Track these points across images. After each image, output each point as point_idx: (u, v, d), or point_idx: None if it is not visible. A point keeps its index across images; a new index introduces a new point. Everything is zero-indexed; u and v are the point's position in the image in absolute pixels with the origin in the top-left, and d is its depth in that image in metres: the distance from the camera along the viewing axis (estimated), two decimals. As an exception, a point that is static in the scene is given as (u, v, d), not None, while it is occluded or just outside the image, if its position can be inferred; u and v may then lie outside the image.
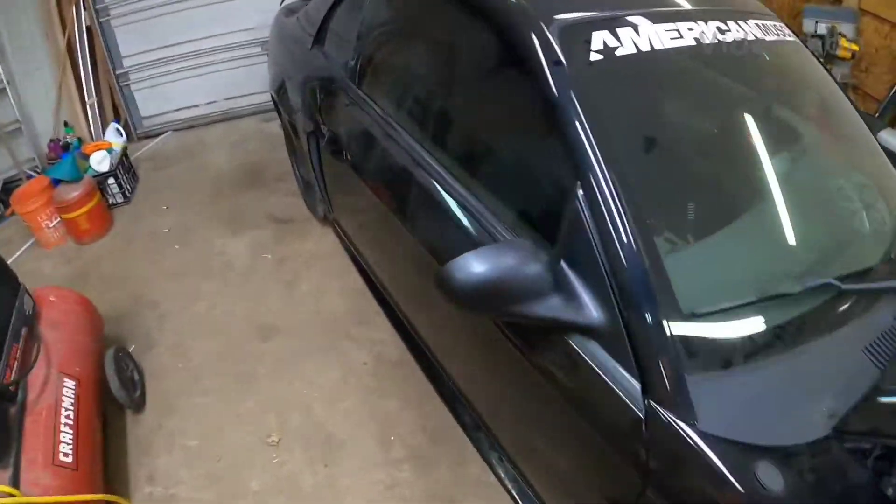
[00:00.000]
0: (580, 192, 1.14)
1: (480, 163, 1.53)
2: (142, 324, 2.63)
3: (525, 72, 1.30)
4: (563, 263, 1.13)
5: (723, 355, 1.06)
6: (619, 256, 1.07)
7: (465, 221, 1.43)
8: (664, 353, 1.00)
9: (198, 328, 2.60)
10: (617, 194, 1.11)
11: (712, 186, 1.32)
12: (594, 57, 1.28)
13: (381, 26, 2.05)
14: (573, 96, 1.20)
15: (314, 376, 2.33)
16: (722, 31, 1.43)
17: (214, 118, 4.17)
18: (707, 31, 1.41)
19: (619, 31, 1.33)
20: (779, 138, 1.46)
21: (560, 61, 1.24)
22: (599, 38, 1.30)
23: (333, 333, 2.52)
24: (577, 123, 1.18)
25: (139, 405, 2.22)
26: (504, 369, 1.42)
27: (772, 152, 1.42)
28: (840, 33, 3.62)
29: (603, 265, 1.09)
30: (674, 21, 1.39)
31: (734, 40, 1.44)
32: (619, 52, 1.30)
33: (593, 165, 1.13)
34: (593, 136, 1.16)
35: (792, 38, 1.64)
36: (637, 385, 1.02)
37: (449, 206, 1.50)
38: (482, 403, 1.72)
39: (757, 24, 1.53)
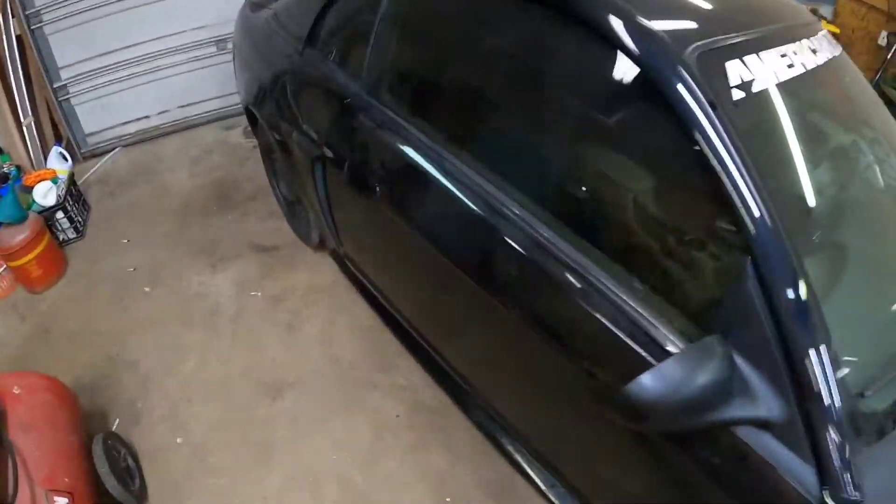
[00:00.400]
0: (750, 269, 0.97)
1: (592, 221, 1.29)
2: (122, 391, 2.24)
3: (657, 107, 1.08)
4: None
5: (877, 427, 0.99)
6: (800, 344, 0.94)
7: (572, 285, 1.22)
8: (842, 440, 0.93)
9: (190, 390, 2.24)
10: (794, 273, 0.95)
11: (869, 248, 1.17)
12: (736, 95, 1.07)
13: (416, 29, 1.70)
14: (734, 149, 0.99)
15: (343, 437, 2.05)
16: (814, 52, 1.28)
17: (168, 129, 3.70)
18: (806, 54, 1.25)
19: (747, 59, 1.13)
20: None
21: (714, 103, 1.02)
22: (735, 70, 1.10)
23: (354, 383, 2.23)
24: (745, 186, 0.98)
25: (140, 498, 1.86)
26: (614, 435, 1.25)
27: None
28: (820, 15, 3.59)
29: (777, 352, 0.95)
30: (778, 44, 1.20)
31: (825, 62, 1.29)
32: (754, 88, 1.10)
33: (768, 239, 0.96)
34: (764, 203, 0.97)
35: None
36: (811, 474, 0.94)
37: (545, 265, 1.27)
38: (569, 463, 1.55)
39: (825, 38, 1.38)
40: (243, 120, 3.84)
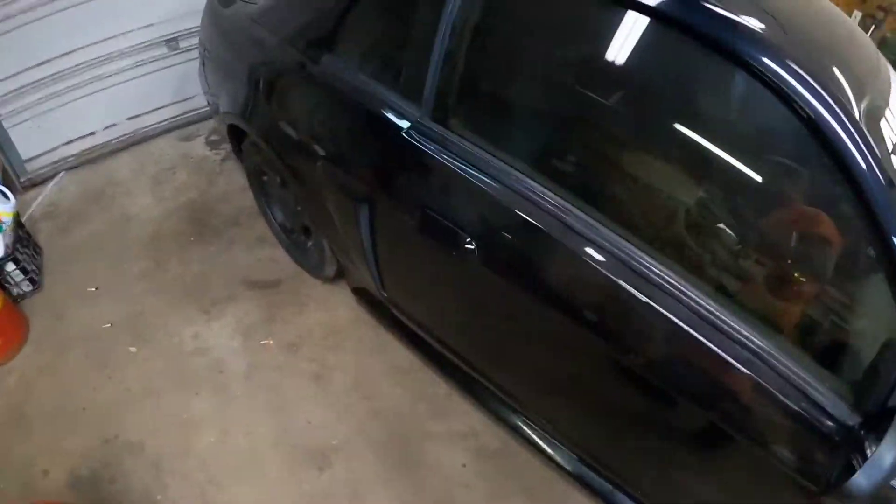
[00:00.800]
0: None
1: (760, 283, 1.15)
2: (133, 482, 1.88)
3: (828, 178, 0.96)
4: None
5: None
6: None
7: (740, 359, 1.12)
8: None
9: (216, 471, 1.92)
10: None
11: None
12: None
13: (510, 36, 1.39)
14: None
15: (410, 499, 1.84)
16: None
17: (119, 145, 3.19)
18: None
19: (888, 117, 1.05)
20: None
21: (892, 182, 0.89)
22: (886, 133, 0.99)
23: (407, 435, 2.01)
24: None
25: None
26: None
27: None
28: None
29: None
30: (888, 95, 1.17)
31: None
32: None
33: None
34: None
35: None
36: None
37: (708, 338, 1.13)
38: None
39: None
40: (204, 127, 3.42)
